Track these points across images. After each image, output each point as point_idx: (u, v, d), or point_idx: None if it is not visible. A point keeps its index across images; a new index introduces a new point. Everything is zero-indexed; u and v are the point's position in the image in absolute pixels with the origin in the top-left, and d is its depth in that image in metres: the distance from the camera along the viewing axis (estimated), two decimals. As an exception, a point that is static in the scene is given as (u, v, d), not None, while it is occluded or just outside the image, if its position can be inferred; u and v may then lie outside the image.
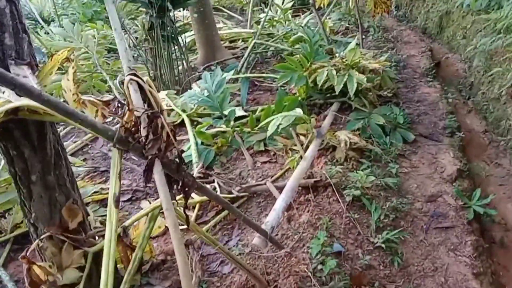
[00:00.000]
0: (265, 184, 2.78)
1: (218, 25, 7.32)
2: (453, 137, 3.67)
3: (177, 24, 8.01)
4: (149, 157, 1.42)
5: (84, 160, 3.67)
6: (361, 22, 6.81)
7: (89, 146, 3.94)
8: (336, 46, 6.35)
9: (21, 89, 1.15)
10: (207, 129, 3.49)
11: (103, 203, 2.96)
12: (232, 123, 3.52)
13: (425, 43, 6.39)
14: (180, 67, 5.19)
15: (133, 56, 5.76)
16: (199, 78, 5.62)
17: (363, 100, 3.88)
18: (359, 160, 3.13)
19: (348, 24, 7.19)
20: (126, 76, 1.45)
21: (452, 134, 3.69)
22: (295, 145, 3.32)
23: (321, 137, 3.16)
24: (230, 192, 2.75)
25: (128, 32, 4.79)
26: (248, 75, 4.28)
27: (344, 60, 3.84)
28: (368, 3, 5.23)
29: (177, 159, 1.52)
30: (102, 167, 3.50)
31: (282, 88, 4.20)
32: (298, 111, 3.22)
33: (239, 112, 4.02)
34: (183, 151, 3.42)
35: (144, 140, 1.42)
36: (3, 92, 1.44)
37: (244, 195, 2.78)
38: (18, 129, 1.56)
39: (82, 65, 4.96)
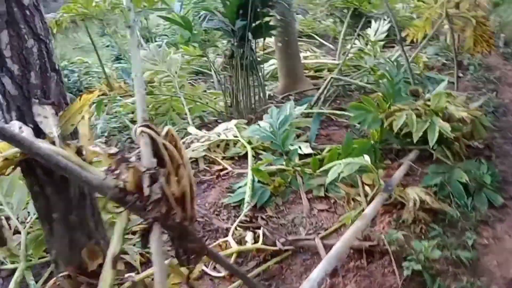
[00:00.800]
0: (313, 239, 2.54)
1: (305, 54, 7.22)
2: (553, 207, 3.09)
3: (261, 52, 8.14)
4: (148, 220, 1.29)
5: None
6: (457, 59, 6.27)
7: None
8: (429, 83, 5.90)
9: (10, 140, 1.10)
10: (267, 166, 3.33)
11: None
12: (293, 162, 3.33)
13: (533, 87, 5.64)
14: (257, 96, 5.13)
15: (216, 81, 5.86)
16: (277, 106, 5.55)
17: (446, 151, 3.46)
18: (430, 223, 2.73)
19: (446, 60, 6.63)
20: (138, 127, 1.35)
21: (552, 203, 3.11)
22: (359, 195, 3.03)
23: (389, 191, 2.83)
24: (274, 244, 2.54)
25: (208, 58, 4.87)
26: (321, 110, 4.06)
27: (427, 104, 3.47)
28: (467, 40, 4.74)
29: (186, 222, 1.38)
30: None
31: (356, 128, 3.92)
32: (366, 159, 2.93)
33: (306, 149, 3.81)
34: (232, 191, 3.30)
35: (145, 201, 1.30)
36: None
37: (289, 249, 2.55)
38: (40, 167, 1.54)
39: (164, 87, 5.13)
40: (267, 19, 4.72)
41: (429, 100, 3.83)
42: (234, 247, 2.37)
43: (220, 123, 5.10)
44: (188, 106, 5.11)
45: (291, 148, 3.43)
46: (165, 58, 4.93)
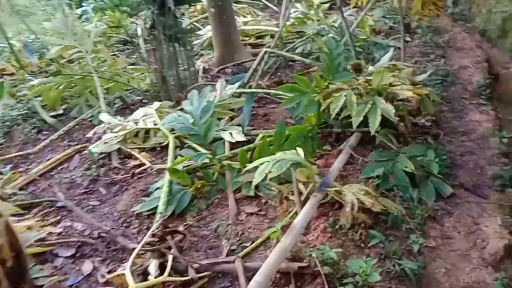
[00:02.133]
0: (234, 262, 2.10)
1: (245, 19, 6.61)
2: (504, 192, 2.80)
3: (195, 18, 7.38)
4: None
5: (49, 186, 3.13)
6: (404, 23, 5.87)
7: (61, 168, 3.40)
8: (375, 49, 5.51)
9: None
10: (186, 164, 2.83)
11: (41, 258, 2.39)
12: (219, 156, 2.84)
13: (483, 51, 5.36)
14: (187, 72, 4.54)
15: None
16: (211, 81, 4.99)
17: (390, 134, 3.08)
18: (370, 227, 2.36)
19: (394, 23, 6.23)
20: None
21: (503, 188, 2.82)
22: (293, 193, 2.61)
23: (323, 192, 2.42)
24: (186, 270, 2.08)
25: (126, 31, 4.19)
26: (254, 90, 3.56)
27: (369, 82, 3.04)
28: (414, 3, 4.31)
29: None
30: (63, 200, 2.94)
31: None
32: (299, 152, 2.50)
33: (238, 136, 3.34)
34: (147, 194, 2.80)
35: None
36: None
37: (205, 275, 2.11)
38: None
39: (77, 65, 4.43)
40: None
41: (372, 74, 3.42)
42: (132, 285, 1.88)
43: (145, 103, 4.51)
44: (108, 85, 4.47)
45: (219, 136, 2.94)
46: (74, 30, 4.20)
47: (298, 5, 6.01)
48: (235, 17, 6.57)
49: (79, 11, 8.60)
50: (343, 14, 3.45)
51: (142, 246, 2.10)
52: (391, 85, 3.06)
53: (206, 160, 2.84)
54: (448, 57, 5.19)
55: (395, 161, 2.82)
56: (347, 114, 2.95)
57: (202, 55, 6.24)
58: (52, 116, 4.30)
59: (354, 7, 4.97)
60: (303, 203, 2.46)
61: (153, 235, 2.20)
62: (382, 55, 5.45)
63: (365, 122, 2.95)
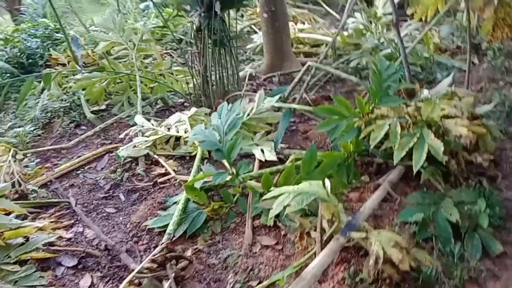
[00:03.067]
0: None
1: (302, 26, 6.36)
2: None
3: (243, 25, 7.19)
4: None
5: (71, 186, 3.09)
6: (474, 42, 5.38)
7: (88, 167, 3.35)
8: (438, 70, 5.08)
9: None
10: (207, 181, 2.66)
11: (44, 264, 2.32)
12: (242, 177, 2.64)
13: (562, 82, 4.75)
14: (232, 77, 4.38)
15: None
16: (255, 90, 4.81)
17: (438, 172, 2.73)
18: (397, 284, 2.06)
19: (461, 42, 5.71)
20: None
21: None
22: (316, 228, 2.35)
23: (346, 235, 2.15)
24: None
25: (171, 32, 4.09)
26: (292, 105, 3.32)
27: (417, 111, 2.71)
28: (485, 23, 3.87)
29: None
30: (80, 203, 2.87)
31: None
32: (326, 187, 2.24)
33: (269, 155, 3.12)
34: (164, 208, 2.67)
35: None
36: None
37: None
38: None
39: (122, 62, 4.41)
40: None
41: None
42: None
43: (187, 107, 4.42)
44: (152, 84, 4.42)
45: (250, 151, 2.72)
46: (122, 27, 4.17)
47: (358, 15, 5.67)
48: (291, 23, 6.37)
49: (142, 5, 8.79)
50: (399, 32, 3.12)
51: (139, 272, 1.95)
52: (445, 117, 2.71)
53: (229, 177, 2.65)
54: (520, 85, 4.65)
55: (438, 206, 2.47)
56: (390, 146, 2.65)
57: (253, 60, 6.09)
58: (94, 111, 4.32)
59: (420, 20, 4.57)
60: (324, 244, 2.20)
61: (153, 260, 2.04)
62: (445, 77, 5.03)
63: (410, 155, 2.63)
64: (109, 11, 4.28)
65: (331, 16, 8.29)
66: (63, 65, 5.01)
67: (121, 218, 2.70)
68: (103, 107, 4.44)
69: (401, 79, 3.86)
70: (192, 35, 4.07)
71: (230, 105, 2.88)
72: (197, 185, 2.58)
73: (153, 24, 6.28)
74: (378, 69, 2.94)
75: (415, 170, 2.44)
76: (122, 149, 3.24)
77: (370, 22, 5.62)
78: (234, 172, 2.61)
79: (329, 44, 4.38)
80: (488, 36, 4.01)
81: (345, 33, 5.53)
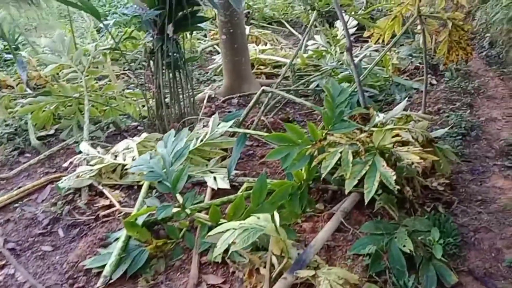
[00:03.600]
0: None
1: (263, 47, 6.31)
2: (524, 288, 2.32)
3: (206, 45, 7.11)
4: None
5: (7, 221, 2.85)
6: (431, 64, 5.46)
7: (28, 199, 3.12)
8: (396, 91, 5.11)
9: None
10: (153, 213, 2.49)
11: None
12: (189, 210, 2.49)
13: (517, 102, 4.85)
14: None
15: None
16: (214, 112, 4.68)
17: (392, 199, 2.66)
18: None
19: (420, 63, 5.79)
20: None
21: (523, 282, 2.34)
22: (265, 265, 2.22)
23: (294, 274, 2.02)
24: None
25: (122, 55, 3.93)
26: (246, 131, 3.21)
27: (369, 138, 2.64)
28: (440, 46, 3.90)
29: None
30: (14, 241, 2.64)
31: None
32: (275, 221, 2.12)
33: (222, 183, 2.99)
34: (105, 245, 2.48)
35: None
36: None
37: None
38: None
39: (72, 84, 4.21)
40: (195, 8, 3.81)
41: (381, 126, 3.02)
42: None
43: (140, 131, 4.24)
44: (103, 107, 4.22)
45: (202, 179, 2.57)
46: (71, 49, 3.99)
47: (317, 37, 5.68)
48: (253, 44, 6.33)
49: (57, 32, 8.58)
50: (352, 57, 3.07)
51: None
52: (398, 143, 2.65)
53: (176, 209, 2.49)
54: (476, 106, 4.71)
55: (392, 236, 2.39)
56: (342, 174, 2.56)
57: (214, 80, 5.99)
58: (41, 137, 4.09)
59: (376, 42, 4.57)
60: (272, 283, 2.07)
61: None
62: (404, 98, 5.06)
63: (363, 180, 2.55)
64: (58, 32, 4.07)
65: (294, 37, 8.32)
66: (10, 87, 4.76)
67: (57, 257, 2.49)
68: (52, 132, 4.21)
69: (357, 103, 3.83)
70: (146, 57, 3.91)
71: (178, 132, 2.73)
72: (140, 220, 2.40)
73: (110, 43, 6.11)
74: (330, 94, 2.87)
75: (366, 200, 2.34)
76: (64, 180, 3.03)
77: (330, 44, 5.63)
78: (181, 204, 2.46)
79: (286, 66, 4.30)
80: (444, 59, 4.04)
81: (305, 55, 5.51)
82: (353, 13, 4.74)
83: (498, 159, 3.64)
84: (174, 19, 3.63)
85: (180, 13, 3.67)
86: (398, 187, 2.34)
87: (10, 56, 5.43)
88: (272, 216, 2.21)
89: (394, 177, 2.36)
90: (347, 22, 6.00)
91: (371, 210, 2.74)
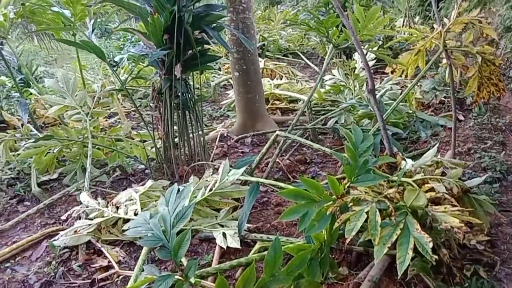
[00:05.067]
0: None
1: (278, 81, 6.09)
2: None
3: (220, 79, 6.92)
4: None
5: (-6, 285, 2.59)
6: (458, 98, 5.13)
7: (22, 257, 2.86)
8: (421, 127, 4.78)
9: None
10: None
11: None
12: (192, 278, 2.18)
13: (554, 140, 4.46)
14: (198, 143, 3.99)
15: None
16: (226, 152, 4.42)
17: (427, 265, 2.31)
18: None
19: (445, 97, 5.46)
20: None
21: None
22: None
23: None
24: None
25: (128, 96, 3.71)
26: (259, 179, 2.91)
27: (399, 194, 2.32)
28: (470, 83, 3.59)
29: None
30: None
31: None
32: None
33: (231, 241, 2.68)
34: None
35: None
36: None
37: None
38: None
39: (76, 126, 4.01)
40: (205, 46, 3.60)
41: (410, 175, 2.70)
42: None
43: (147, 175, 3.99)
44: (108, 151, 4.00)
45: (210, 236, 2.26)
46: (75, 90, 3.80)
47: (334, 71, 5.42)
48: (267, 79, 6.11)
49: (117, 58, 8.54)
50: (375, 99, 2.78)
51: None
52: (431, 201, 2.32)
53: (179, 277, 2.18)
54: (510, 145, 4.34)
55: (429, 314, 2.03)
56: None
57: (228, 116, 5.76)
58: (43, 182, 3.87)
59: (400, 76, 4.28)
60: None
61: None
62: (429, 135, 4.72)
63: (394, 243, 2.21)
64: (61, 72, 3.90)
65: (310, 69, 8.11)
66: (15, 128, 4.60)
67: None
68: (55, 175, 3.99)
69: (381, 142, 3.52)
70: (153, 97, 3.69)
71: (181, 187, 2.45)
72: (136, 292, 2.10)
73: (122, 79, 5.95)
74: (352, 142, 2.58)
75: (400, 272, 2.00)
76: (60, 236, 2.77)
77: (347, 78, 5.36)
78: (183, 274, 2.15)
79: (303, 104, 4.03)
80: (473, 96, 3.73)
81: (322, 90, 5.25)
82: (371, 49, 4.48)
83: (540, 207, 3.26)
84: (182, 59, 3.42)
85: (189, 52, 3.46)
86: (435, 257, 2.00)
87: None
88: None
89: (431, 244, 2.02)
90: (366, 56, 5.75)
91: (403, 277, 2.39)
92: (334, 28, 3.92)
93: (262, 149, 3.26)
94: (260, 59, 7.30)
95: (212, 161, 4.02)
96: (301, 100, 5.62)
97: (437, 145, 3.24)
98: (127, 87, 5.80)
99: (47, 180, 3.92)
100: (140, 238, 2.32)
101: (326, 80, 5.57)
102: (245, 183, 3.18)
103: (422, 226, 2.18)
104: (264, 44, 8.94)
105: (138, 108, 5.66)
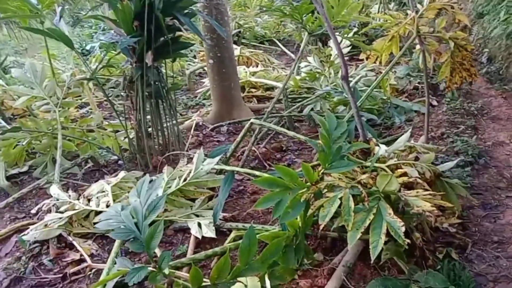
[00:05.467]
0: None
1: (254, 69, 6.03)
2: None
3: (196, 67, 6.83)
4: None
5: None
6: (431, 84, 5.19)
7: (-12, 252, 2.77)
8: (395, 113, 4.81)
9: None
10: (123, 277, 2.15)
11: None
12: (165, 270, 2.14)
13: (523, 122, 4.57)
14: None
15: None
16: (201, 142, 4.37)
17: (399, 249, 2.34)
18: None
19: (419, 83, 5.52)
20: None
21: None
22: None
23: None
24: None
25: (98, 85, 3.61)
26: (234, 167, 2.88)
27: (372, 179, 2.33)
28: (443, 69, 3.62)
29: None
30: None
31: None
32: (263, 284, 1.79)
33: (206, 231, 2.66)
34: None
35: None
36: None
37: None
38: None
39: (43, 119, 3.88)
40: (178, 33, 3.52)
41: (384, 160, 2.71)
42: None
43: (121, 166, 3.91)
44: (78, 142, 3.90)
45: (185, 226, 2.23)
46: (43, 80, 3.67)
47: (310, 58, 5.41)
48: (243, 66, 6.05)
49: (88, 46, 8.32)
50: (349, 87, 2.77)
51: None
52: (404, 185, 2.34)
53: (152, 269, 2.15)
54: (481, 129, 4.43)
55: (402, 297, 2.06)
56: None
57: (203, 105, 5.69)
58: (12, 176, 3.75)
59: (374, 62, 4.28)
60: None
61: None
62: (403, 121, 4.77)
63: (368, 228, 2.22)
64: (29, 62, 3.76)
65: (287, 56, 8.08)
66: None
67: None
68: (25, 168, 3.87)
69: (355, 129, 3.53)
70: (124, 86, 3.60)
71: (153, 178, 2.40)
72: (110, 286, 2.06)
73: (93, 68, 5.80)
74: (326, 129, 2.57)
75: (373, 256, 2.01)
76: (30, 231, 2.69)
77: (323, 65, 5.35)
78: (156, 265, 2.11)
79: (278, 91, 4.01)
80: (446, 82, 3.77)
81: (298, 77, 5.23)
82: (346, 35, 4.47)
83: (510, 189, 3.34)
84: (154, 46, 3.33)
85: (160, 39, 3.38)
86: (408, 240, 2.02)
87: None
88: (262, 280, 1.88)
89: (403, 228, 2.04)
90: (340, 42, 5.74)
91: (377, 261, 2.41)
92: (309, 14, 3.88)
93: (238, 137, 3.22)
94: (236, 46, 7.23)
95: (187, 150, 3.97)
96: (277, 87, 5.59)
97: (410, 130, 3.28)
98: (98, 76, 5.67)
99: (16, 173, 3.81)
100: (112, 230, 2.27)
101: (302, 68, 5.56)
102: (220, 172, 3.15)
103: (395, 210, 2.20)
104: (240, 31, 8.85)
105: (110, 97, 5.54)
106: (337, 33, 5.30)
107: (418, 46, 4.55)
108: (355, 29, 6.46)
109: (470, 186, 3.32)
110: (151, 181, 2.39)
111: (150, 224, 2.15)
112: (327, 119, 2.62)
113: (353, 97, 2.80)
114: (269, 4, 8.77)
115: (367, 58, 3.99)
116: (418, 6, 3.64)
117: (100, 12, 9.26)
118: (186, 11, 3.35)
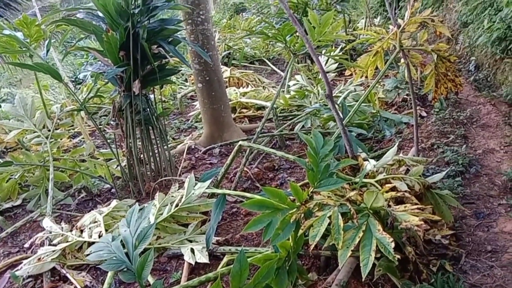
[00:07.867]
0: None
1: (244, 89, 6.09)
2: None
3: (187, 90, 6.88)
4: None
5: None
6: (419, 95, 5.24)
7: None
8: (385, 126, 4.85)
9: None
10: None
11: None
12: (160, 299, 2.14)
13: (512, 128, 4.60)
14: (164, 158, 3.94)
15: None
16: (194, 165, 4.39)
17: (391, 265, 2.33)
18: None
19: (407, 95, 5.57)
20: None
21: None
22: None
23: None
24: None
25: (88, 115, 3.63)
26: (226, 191, 2.90)
27: (360, 197, 2.34)
28: (427, 81, 3.67)
29: None
30: None
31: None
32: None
33: (200, 256, 2.65)
34: None
35: None
36: None
37: None
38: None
39: (35, 151, 3.90)
40: (165, 60, 3.57)
41: (373, 175, 2.73)
42: None
43: (113, 194, 3.92)
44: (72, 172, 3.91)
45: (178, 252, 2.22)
46: (33, 113, 3.71)
47: (298, 77, 5.47)
48: (233, 88, 6.11)
49: (81, 75, 8.39)
50: (333, 104, 2.80)
51: None
52: (393, 200, 2.35)
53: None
54: (471, 137, 4.45)
55: (397, 313, 2.05)
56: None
57: (196, 128, 5.73)
58: (6, 210, 3.75)
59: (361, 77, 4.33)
60: None
61: None
62: (394, 133, 4.80)
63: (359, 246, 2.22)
64: (19, 96, 3.80)
65: (277, 75, 8.16)
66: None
67: None
68: (19, 202, 3.87)
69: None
70: (114, 115, 3.63)
71: (143, 206, 2.42)
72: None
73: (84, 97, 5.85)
74: (313, 147, 2.59)
75: (364, 274, 2.02)
76: (23, 266, 2.68)
77: (312, 83, 5.41)
78: (149, 294, 2.11)
79: (267, 111, 4.04)
80: (432, 92, 3.82)
81: (288, 95, 5.28)
82: (331, 53, 4.54)
83: (502, 197, 3.34)
84: (141, 74, 3.38)
85: (147, 67, 3.43)
86: (398, 256, 2.02)
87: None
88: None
89: (393, 244, 2.05)
90: (327, 61, 5.82)
91: (370, 277, 2.41)
92: (292, 35, 3.95)
93: (228, 160, 3.24)
94: (226, 68, 7.32)
95: (180, 174, 3.99)
96: (268, 106, 5.64)
97: (396, 144, 3.30)
98: (90, 105, 5.72)
99: (10, 207, 3.80)
100: (104, 261, 2.27)
101: (291, 86, 5.62)
102: (212, 195, 3.16)
103: (385, 226, 2.21)
104: (229, 53, 8.96)
105: (100, 126, 5.57)
106: (323, 51, 5.40)
107: (403, 60, 4.62)
108: (342, 45, 6.56)
109: (462, 195, 3.33)
110: (141, 209, 2.40)
111: (142, 253, 2.15)
112: (314, 138, 2.64)
113: (338, 114, 2.83)
114: (250, 29, 8.91)
115: (351, 75, 4.05)
116: (400, 21, 3.71)
117: (92, 41, 9.38)
118: (170, 39, 3.40)
